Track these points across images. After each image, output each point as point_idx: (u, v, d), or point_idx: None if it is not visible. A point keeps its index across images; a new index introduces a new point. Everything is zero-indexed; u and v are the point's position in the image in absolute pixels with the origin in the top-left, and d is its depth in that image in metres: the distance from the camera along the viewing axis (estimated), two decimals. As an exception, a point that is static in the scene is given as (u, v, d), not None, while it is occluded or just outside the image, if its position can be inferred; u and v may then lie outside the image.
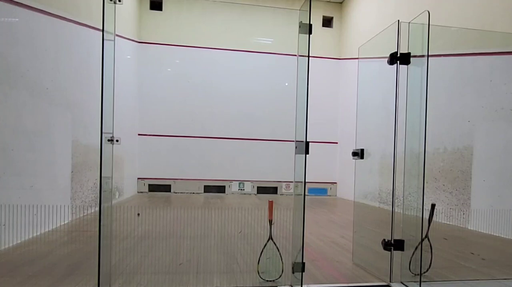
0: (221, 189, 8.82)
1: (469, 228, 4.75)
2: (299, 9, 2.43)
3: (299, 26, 2.40)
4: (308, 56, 2.34)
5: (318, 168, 8.65)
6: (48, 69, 4.20)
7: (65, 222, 4.49)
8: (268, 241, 2.56)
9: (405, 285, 2.54)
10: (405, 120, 2.58)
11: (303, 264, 2.41)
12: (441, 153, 5.24)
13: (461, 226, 4.87)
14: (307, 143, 2.32)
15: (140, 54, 8.40)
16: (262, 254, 2.55)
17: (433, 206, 2.73)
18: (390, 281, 2.61)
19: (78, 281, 2.49)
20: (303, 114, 2.34)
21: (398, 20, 2.61)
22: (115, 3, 2.19)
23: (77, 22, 4.91)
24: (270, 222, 2.57)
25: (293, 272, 2.47)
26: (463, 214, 4.88)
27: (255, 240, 3.71)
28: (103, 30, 2.13)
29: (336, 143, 9.29)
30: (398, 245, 2.63)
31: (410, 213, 2.57)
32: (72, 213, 4.75)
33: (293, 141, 2.44)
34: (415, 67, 2.57)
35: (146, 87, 8.48)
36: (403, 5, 6.52)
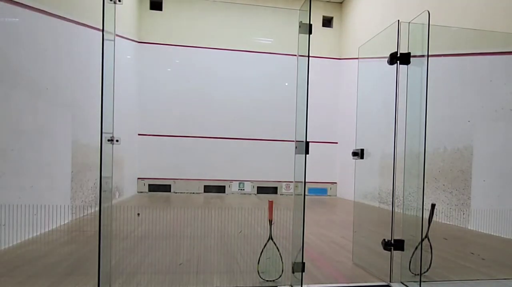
0: (221, 189, 8.82)
1: (469, 228, 4.75)
2: (299, 9, 2.43)
3: (299, 26, 2.40)
4: (308, 56, 2.33)
5: (318, 168, 8.65)
6: (48, 69, 4.20)
7: (65, 222, 4.49)
8: (268, 241, 2.56)
9: (405, 285, 2.54)
10: (405, 120, 2.58)
11: (303, 264, 2.41)
12: (441, 153, 5.24)
13: (461, 226, 4.87)
14: (307, 143, 2.31)
15: (140, 54, 8.40)
16: (262, 254, 2.55)
17: (433, 206, 2.73)
18: (390, 281, 2.61)
19: (78, 281, 2.49)
20: (303, 114, 2.34)
21: (398, 20, 2.60)
22: (115, 3, 2.19)
23: (77, 22, 4.91)
24: (270, 222, 2.57)
25: (293, 272, 2.46)
26: (463, 214, 4.88)
27: (255, 240, 3.71)
28: (103, 30, 2.13)
29: (336, 143, 9.29)
30: (398, 245, 2.63)
31: (410, 213, 2.57)
32: (72, 213, 4.75)
33: (293, 141, 2.44)
34: (415, 67, 2.57)
35: (146, 87, 8.48)
36: (403, 5, 6.52)
